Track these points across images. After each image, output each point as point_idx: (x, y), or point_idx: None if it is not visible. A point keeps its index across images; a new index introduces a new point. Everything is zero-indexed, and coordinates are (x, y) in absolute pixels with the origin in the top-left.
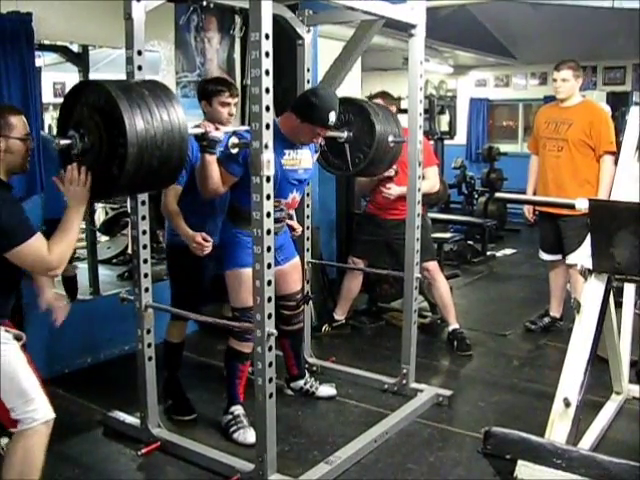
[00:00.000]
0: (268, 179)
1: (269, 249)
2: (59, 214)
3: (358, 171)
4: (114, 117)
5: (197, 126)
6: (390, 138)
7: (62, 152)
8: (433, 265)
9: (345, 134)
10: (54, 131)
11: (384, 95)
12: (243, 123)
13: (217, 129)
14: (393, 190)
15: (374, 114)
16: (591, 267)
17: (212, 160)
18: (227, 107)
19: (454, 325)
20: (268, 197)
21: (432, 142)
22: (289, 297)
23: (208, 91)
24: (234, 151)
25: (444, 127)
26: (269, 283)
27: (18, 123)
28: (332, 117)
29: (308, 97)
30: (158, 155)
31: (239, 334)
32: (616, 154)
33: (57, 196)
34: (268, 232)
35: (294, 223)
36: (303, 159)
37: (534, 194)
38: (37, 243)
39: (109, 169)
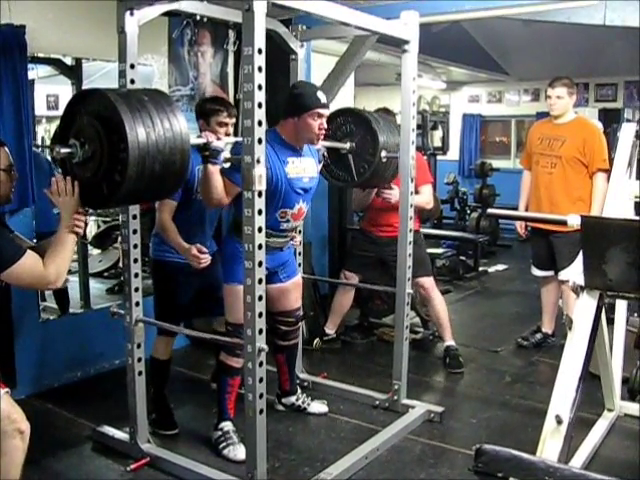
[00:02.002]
0: (260, 194)
1: (260, 264)
2: (51, 228)
3: (363, 181)
4: (114, 123)
5: (199, 136)
6: (383, 153)
7: (63, 161)
8: (429, 282)
9: (348, 145)
10: (47, 143)
11: (385, 112)
12: (236, 136)
13: (219, 139)
14: (395, 192)
15: (375, 123)
16: (583, 283)
17: (215, 170)
18: (224, 127)
19: (449, 342)
20: (260, 212)
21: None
22: (289, 314)
23: (206, 110)
24: (226, 165)
25: (437, 143)
26: (260, 298)
27: (1, 155)
28: (320, 95)
29: (291, 93)
30: (160, 159)
31: (230, 349)
32: (609, 171)
33: (48, 210)
34: (259, 247)
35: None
36: (307, 167)
37: (526, 209)
38: (30, 261)
39: (112, 176)
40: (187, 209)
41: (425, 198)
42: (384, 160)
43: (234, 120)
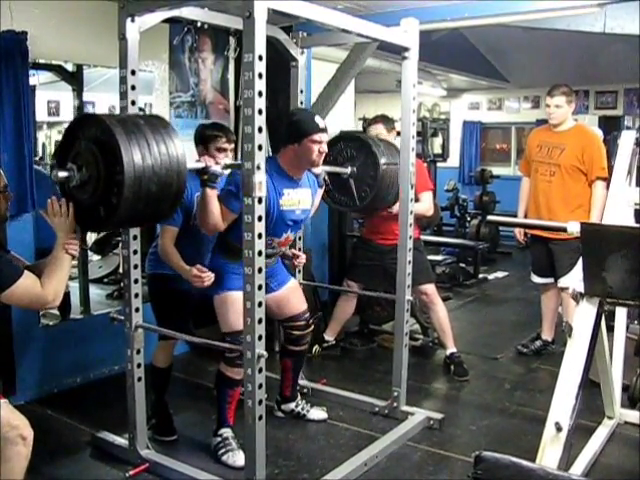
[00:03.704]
0: (260, 200)
1: (260, 270)
2: (51, 243)
3: (365, 205)
4: (110, 146)
5: (197, 161)
6: (382, 160)
7: (61, 184)
8: (431, 288)
9: (349, 169)
10: (47, 150)
11: (383, 119)
12: (236, 143)
13: (217, 163)
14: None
15: (375, 146)
16: (583, 291)
17: (213, 194)
18: (224, 152)
19: (452, 349)
20: (260, 219)
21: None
22: (297, 317)
23: (205, 136)
24: (217, 181)
25: (437, 150)
26: (260, 304)
27: None
28: (318, 120)
29: (288, 120)
30: (156, 181)
31: (230, 359)
32: (608, 179)
33: (49, 226)
34: (259, 253)
35: (296, 251)
36: (302, 199)
37: (525, 216)
38: (28, 281)
39: (108, 199)
40: (187, 235)
41: (425, 205)
42: (384, 167)
43: (233, 146)
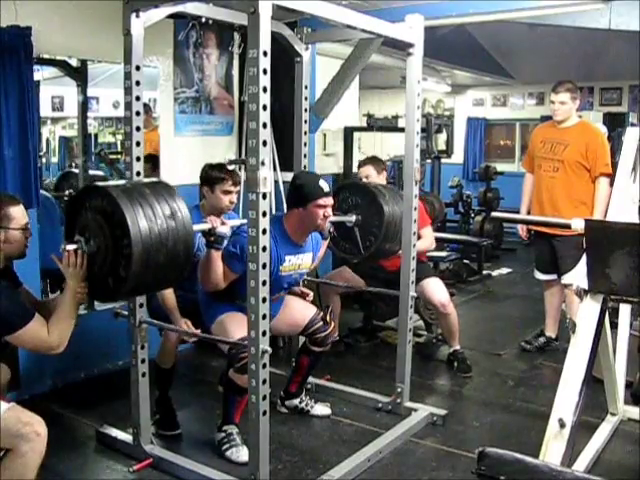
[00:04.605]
0: (264, 196)
1: (264, 266)
2: (55, 265)
3: (370, 254)
4: (117, 218)
5: (204, 221)
6: (387, 209)
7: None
8: (448, 299)
9: (353, 218)
10: (51, 145)
11: (373, 161)
12: (240, 139)
13: (223, 223)
14: None
15: (381, 196)
16: (587, 287)
17: (217, 256)
18: (229, 195)
19: (456, 346)
20: (264, 214)
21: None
22: (311, 324)
23: (211, 178)
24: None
25: (441, 146)
26: (264, 300)
27: (17, 214)
28: (323, 184)
29: (293, 185)
30: (164, 252)
31: (241, 367)
32: (612, 176)
33: (55, 249)
34: (264, 249)
35: (303, 289)
36: (303, 263)
37: (528, 213)
38: (36, 326)
39: (117, 272)
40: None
41: (427, 241)
42: (388, 217)
43: (239, 188)
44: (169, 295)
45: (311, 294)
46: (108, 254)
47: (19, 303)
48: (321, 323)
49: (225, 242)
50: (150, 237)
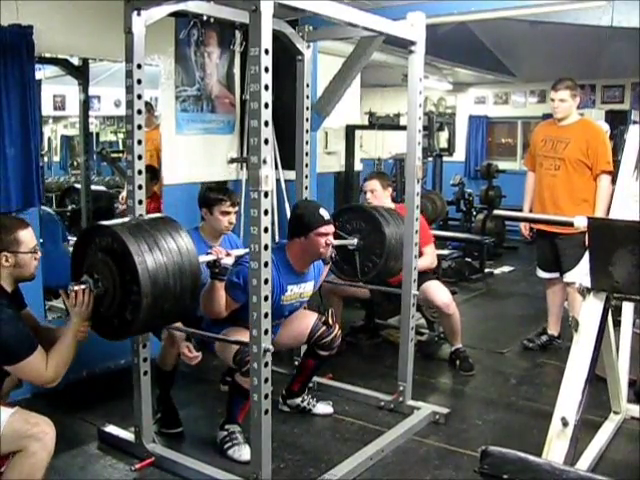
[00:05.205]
0: (266, 194)
1: (266, 264)
2: (58, 282)
3: (368, 280)
4: (127, 264)
5: (209, 253)
6: (390, 239)
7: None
8: (450, 299)
9: (355, 241)
10: (53, 143)
11: (379, 175)
12: (242, 137)
13: (228, 255)
14: None
15: (385, 224)
16: (590, 285)
17: (221, 287)
18: (227, 216)
19: (458, 345)
20: (266, 212)
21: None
22: (314, 331)
23: (209, 199)
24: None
25: (443, 144)
26: (266, 299)
27: (26, 237)
28: (323, 212)
29: (293, 215)
30: (172, 300)
31: (247, 370)
32: (613, 173)
33: (57, 266)
34: (265, 247)
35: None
36: (304, 291)
37: (530, 211)
38: (37, 360)
39: (123, 314)
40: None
41: (429, 259)
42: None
43: (237, 209)
44: (178, 334)
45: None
46: (116, 297)
47: (25, 334)
48: (324, 328)
49: (229, 273)
50: (159, 283)
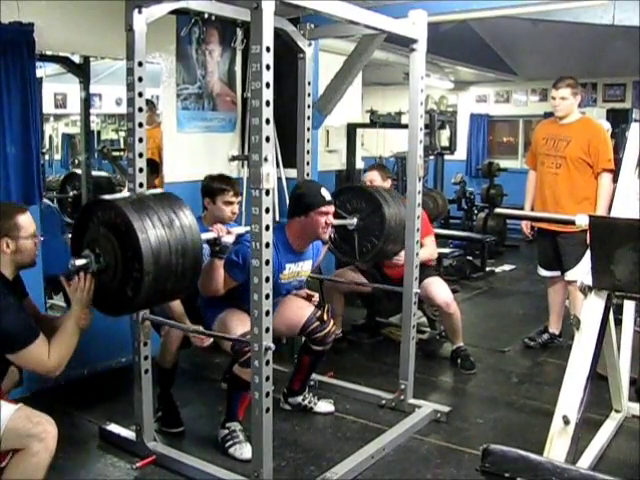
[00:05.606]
0: (267, 192)
1: (267, 262)
2: (58, 271)
3: (368, 259)
4: (129, 240)
5: (209, 230)
6: (390, 221)
7: None
8: (451, 298)
9: (355, 221)
10: (54, 142)
11: (379, 167)
12: (243, 135)
13: (229, 232)
14: (402, 258)
15: (385, 206)
16: (591, 284)
17: (220, 264)
18: (230, 206)
19: (459, 343)
20: (267, 210)
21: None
22: (308, 323)
23: (212, 189)
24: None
25: (444, 142)
26: (267, 297)
27: (25, 222)
28: (324, 193)
29: (295, 194)
30: (173, 279)
31: (245, 361)
32: (614, 171)
33: (57, 254)
34: (267, 245)
35: (309, 292)
36: (302, 270)
37: (531, 209)
38: (39, 348)
39: (123, 290)
40: None
41: (429, 251)
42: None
43: (240, 199)
44: (178, 310)
45: (316, 296)
46: (117, 272)
47: (26, 321)
48: (318, 323)
49: (229, 251)
50: (161, 260)
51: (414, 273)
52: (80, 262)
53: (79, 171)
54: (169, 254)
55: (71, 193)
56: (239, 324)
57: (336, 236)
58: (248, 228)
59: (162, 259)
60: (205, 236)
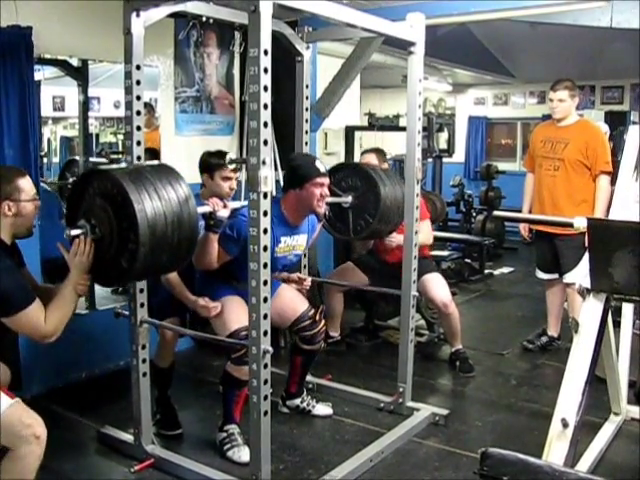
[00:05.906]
0: (265, 195)
1: (265, 265)
2: (56, 253)
3: (360, 238)
4: (125, 210)
5: (205, 204)
6: (385, 200)
7: None
8: (449, 298)
9: (350, 199)
10: (53, 145)
11: (377, 151)
12: (241, 138)
13: (225, 206)
14: (395, 239)
15: (382, 185)
16: (589, 286)
17: (215, 238)
18: (228, 181)
19: (458, 346)
20: (265, 214)
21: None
22: (301, 319)
23: (210, 165)
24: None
25: (442, 145)
26: (265, 300)
27: (26, 185)
28: (319, 164)
29: (289, 165)
30: (168, 250)
31: (237, 359)
32: (612, 174)
33: (54, 236)
34: (265, 249)
35: (301, 275)
36: (297, 245)
37: (530, 212)
38: (35, 312)
39: (118, 260)
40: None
41: (424, 236)
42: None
43: (238, 175)
44: (174, 280)
45: (309, 279)
46: (112, 244)
47: (22, 284)
48: (309, 321)
49: (224, 225)
50: (157, 232)
51: (412, 276)
52: (75, 232)
53: (78, 158)
54: (165, 226)
55: (70, 180)
56: (235, 317)
57: (331, 214)
58: (244, 202)
59: (158, 230)
60: (201, 209)
